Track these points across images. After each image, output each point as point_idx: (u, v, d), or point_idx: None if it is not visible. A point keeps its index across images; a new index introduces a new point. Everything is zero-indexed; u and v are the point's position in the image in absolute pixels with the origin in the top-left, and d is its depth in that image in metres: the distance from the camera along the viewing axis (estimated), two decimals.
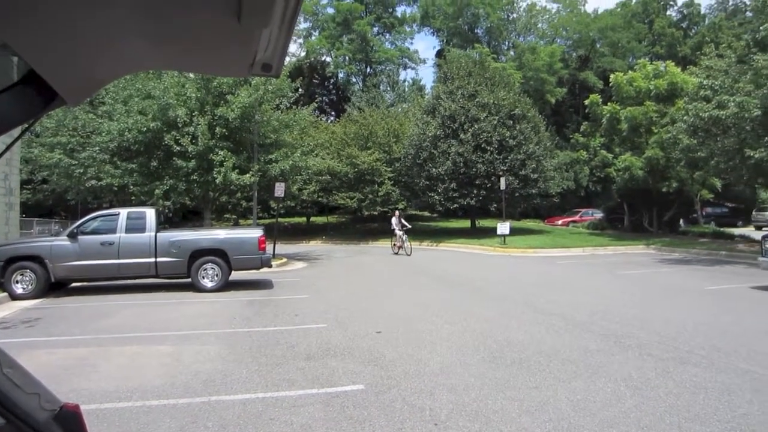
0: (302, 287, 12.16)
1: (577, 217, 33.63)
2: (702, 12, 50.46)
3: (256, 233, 12.23)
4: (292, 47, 47.81)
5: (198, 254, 11.70)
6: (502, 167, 23.98)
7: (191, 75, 16.17)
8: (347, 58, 48.21)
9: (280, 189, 17.59)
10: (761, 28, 17.98)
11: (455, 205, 25.26)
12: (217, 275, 11.70)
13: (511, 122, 25.16)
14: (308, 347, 6.62)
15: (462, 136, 24.62)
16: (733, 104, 16.38)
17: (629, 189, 25.17)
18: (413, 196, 27.89)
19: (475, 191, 24.34)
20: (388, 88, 45.46)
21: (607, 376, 5.31)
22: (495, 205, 25.22)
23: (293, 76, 20.96)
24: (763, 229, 25.94)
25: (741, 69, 17.98)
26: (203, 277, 11.68)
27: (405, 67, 51.88)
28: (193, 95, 16.31)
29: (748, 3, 23.36)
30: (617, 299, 9.89)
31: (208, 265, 11.72)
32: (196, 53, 1.06)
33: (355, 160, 26.97)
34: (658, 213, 24.97)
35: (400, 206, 27.60)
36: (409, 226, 21.19)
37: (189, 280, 11.71)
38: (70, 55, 0.92)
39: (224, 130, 16.43)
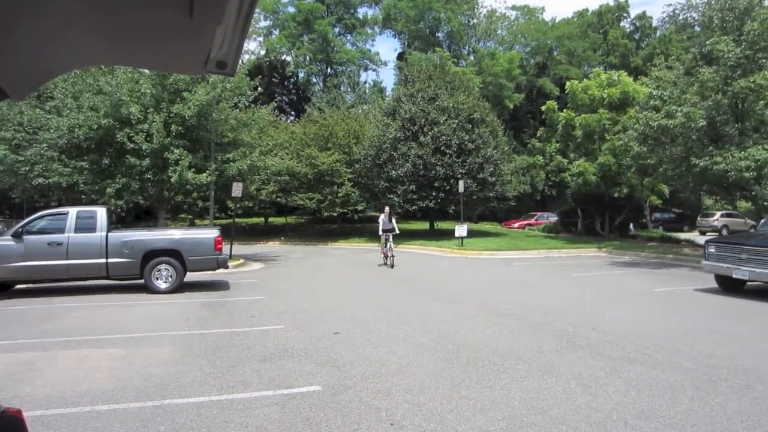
0: (259, 288, 12.00)
1: (533, 221, 34.40)
2: (654, 25, 52.48)
3: (213, 233, 12.00)
4: (252, 45, 47.21)
5: (151, 255, 11.39)
6: (460, 170, 24.30)
7: (146, 71, 15.76)
8: (308, 58, 47.90)
9: (237, 189, 17.32)
10: (707, 42, 18.80)
11: (414, 207, 25.45)
12: (171, 276, 11.42)
13: (470, 126, 25.53)
14: (265, 349, 6.55)
15: (422, 138, 24.83)
16: (680, 114, 17.05)
17: (583, 194, 25.91)
18: (373, 198, 27.95)
19: (434, 193, 24.58)
20: (349, 89, 45.42)
21: (558, 374, 5.46)
22: (453, 208, 25.53)
23: (252, 75, 20.69)
24: (707, 234, 27.18)
25: (688, 81, 18.75)
26: (157, 279, 11.38)
27: (366, 69, 51.99)
28: (148, 92, 15.89)
29: (696, 18, 24.39)
30: (570, 301, 10.16)
31: (162, 266, 11.43)
32: (147, 49, 1.05)
33: (315, 161, 26.82)
34: (610, 217, 25.80)
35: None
36: (398, 231, 17.16)
37: (142, 281, 11.40)
38: (13, 48, 0.89)
39: (180, 128, 16.06)
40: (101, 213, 11.46)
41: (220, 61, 1.06)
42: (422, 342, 6.88)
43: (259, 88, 19.98)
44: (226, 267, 12.58)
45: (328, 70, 49.85)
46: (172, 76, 15.96)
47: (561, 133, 27.25)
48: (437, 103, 25.79)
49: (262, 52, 46.11)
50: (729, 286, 11.22)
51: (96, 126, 15.38)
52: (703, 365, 5.79)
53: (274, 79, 45.59)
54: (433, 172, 24.34)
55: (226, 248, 13.52)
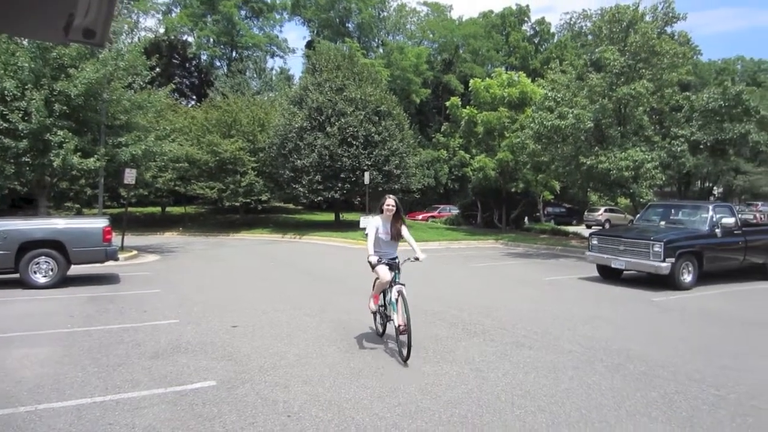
0: (154, 281, 11.38)
1: (435, 213, 35.43)
2: (552, 30, 55.64)
3: (100, 223, 11.17)
4: (149, 22, 44.43)
5: (29, 246, 10.39)
6: (366, 162, 24.45)
7: (25, 42, 14.30)
8: (211, 39, 45.87)
9: (130, 175, 16.25)
10: (596, 50, 20.25)
11: (320, 198, 25.28)
12: (52, 270, 10.49)
13: (377, 118, 25.72)
14: (156, 344, 6.22)
15: (328, 129, 24.67)
16: (571, 116, 18.21)
17: (483, 188, 27.04)
18: (277, 188, 27.40)
19: (339, 185, 24.55)
20: (255, 75, 44.11)
21: (453, 360, 5.68)
22: (359, 199, 25.69)
23: (149, 54, 19.44)
24: (593, 227, 29.39)
25: (579, 85, 20.09)
26: (35, 272, 10.41)
27: (273, 55, 50.78)
28: (26, 65, 14.38)
29: (589, 27, 26.17)
30: (468, 290, 10.59)
31: (42, 259, 10.46)
32: (1, 11, 0.93)
33: (217, 148, 25.79)
34: (507, 211, 27.16)
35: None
36: (421, 256, 6.19)
37: (18, 275, 10.39)
38: None
39: (65, 107, 14.73)
40: None
41: (88, 29, 0.96)
42: (323, 333, 6.86)
43: (157, 69, 18.85)
44: (116, 259, 11.79)
45: (233, 54, 48.05)
46: (56, 49, 14.60)
47: (464, 129, 28.23)
48: (345, 93, 25.71)
49: (161, 30, 43.55)
50: (609, 274, 12.22)
51: None
52: (583, 347, 6.25)
53: (174, 60, 43.18)
54: (339, 163, 24.29)
55: (117, 239, 12.69)
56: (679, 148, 18.14)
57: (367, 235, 6.04)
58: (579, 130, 18.36)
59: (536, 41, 56.16)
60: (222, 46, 47.56)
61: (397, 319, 5.70)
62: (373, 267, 5.93)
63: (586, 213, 34.26)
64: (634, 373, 5.31)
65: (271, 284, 11.20)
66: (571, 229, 27.75)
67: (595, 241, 12.46)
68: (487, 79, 29.48)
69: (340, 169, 24.41)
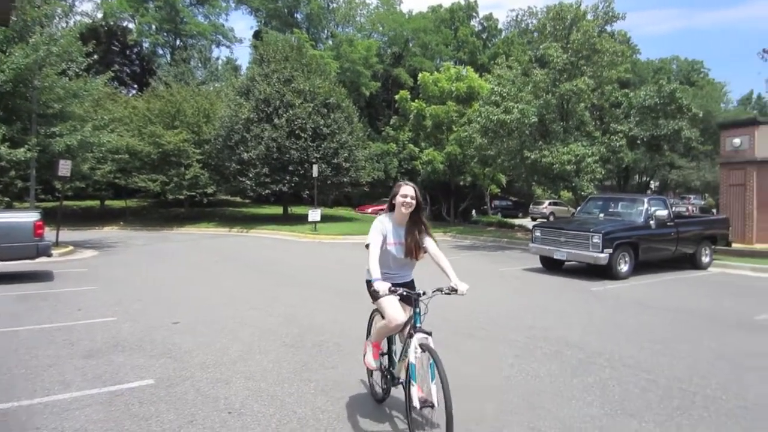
0: (90, 278, 10.88)
1: (385, 206, 35.37)
2: (499, 27, 56.53)
3: (31, 217, 10.58)
4: (86, 6, 42.23)
5: None
6: (315, 155, 24.22)
7: None
8: (153, 26, 44.12)
9: (65, 167, 15.46)
10: (541, 47, 20.75)
11: (267, 191, 24.84)
12: None
13: (326, 111, 25.50)
14: (91, 344, 5.94)
15: (276, 121, 24.26)
16: (516, 110, 18.60)
17: (431, 181, 27.30)
18: (223, 181, 26.73)
19: (288, 177, 24.20)
20: (200, 65, 42.79)
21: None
22: (308, 192, 25.39)
23: (86, 39, 18.42)
24: (538, 220, 30.23)
25: (524, 80, 20.54)
26: None
27: (219, 45, 49.33)
28: None
29: (534, 24, 26.78)
30: (416, 282, 10.66)
31: None
32: None
33: (160, 140, 24.88)
34: (455, 204, 27.56)
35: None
36: (451, 279, 3.84)
37: None
38: None
39: None
40: None
41: None
42: (268, 327, 6.75)
43: (95, 56, 17.99)
44: (49, 255, 11.20)
45: (177, 42, 46.40)
46: None
47: (413, 123, 28.40)
48: (293, 85, 25.34)
49: (99, 16, 41.48)
50: (551, 265, 12.59)
51: None
52: (524, 336, 6.41)
53: (113, 47, 41.30)
54: (287, 155, 23.95)
55: (51, 234, 12.06)
56: (618, 143, 18.84)
57: (368, 246, 3.74)
58: (524, 125, 18.77)
59: (484, 37, 56.96)
60: (165, 34, 45.82)
61: (419, 389, 3.55)
62: (376, 298, 3.72)
63: (531, 206, 35.26)
64: (571, 360, 5.48)
65: (216, 279, 10.93)
66: (517, 221, 28.44)
67: (538, 233, 12.80)
68: (436, 73, 29.73)
69: (288, 161, 24.07)
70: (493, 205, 35.62)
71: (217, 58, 47.30)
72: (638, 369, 5.22)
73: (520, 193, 38.54)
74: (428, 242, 3.88)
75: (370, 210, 34.36)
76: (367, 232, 3.96)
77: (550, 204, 33.04)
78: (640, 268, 11.84)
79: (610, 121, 20.16)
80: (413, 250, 3.87)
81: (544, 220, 28.38)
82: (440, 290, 3.70)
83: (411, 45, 51.07)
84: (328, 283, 10.29)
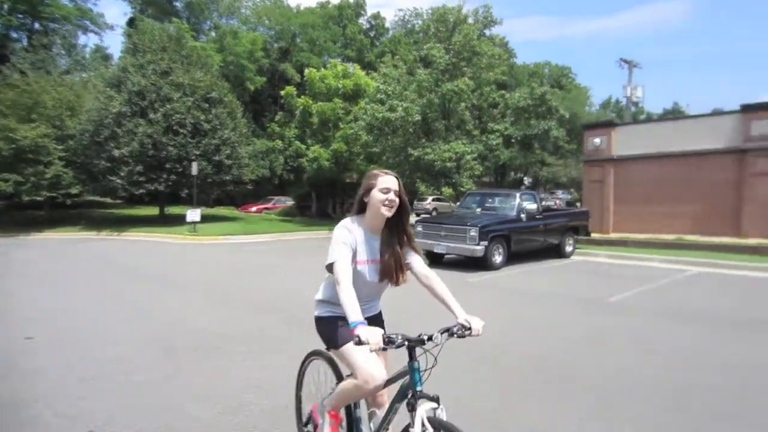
0: None
1: (270, 204, 34.69)
2: (387, 26, 57.31)
3: None
4: None
5: None
6: (195, 152, 22.94)
7: None
8: (5, 6, 39.43)
9: None
10: (425, 47, 21.26)
11: (141, 191, 23.13)
12: None
13: (207, 105, 24.24)
14: None
15: (152, 115, 22.64)
16: (401, 109, 18.93)
17: (318, 178, 27.02)
18: (91, 180, 24.47)
19: (164, 176, 22.69)
20: (63, 52, 38.98)
21: (282, 353, 5.44)
22: (187, 191, 24.00)
23: None
24: (422, 215, 31.01)
25: (409, 79, 20.95)
26: None
27: (86, 31, 45.13)
28: None
29: (420, 24, 27.40)
30: (300, 281, 10.38)
31: None
32: None
33: (13, 135, 22.18)
34: (342, 201, 27.50)
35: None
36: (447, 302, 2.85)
37: None
38: None
39: None
40: None
41: None
42: (142, 335, 6.17)
43: None
44: None
45: (35, 25, 41.86)
46: None
47: (299, 119, 27.95)
48: (171, 77, 23.81)
49: None
50: (432, 259, 12.85)
51: None
52: (404, 330, 6.36)
53: None
54: (164, 152, 22.44)
55: None
56: (494, 142, 19.81)
57: (332, 266, 2.48)
58: (408, 123, 19.15)
59: (372, 35, 57.55)
60: (20, 15, 41.16)
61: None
62: (338, 345, 2.61)
63: (415, 202, 36.04)
64: (453, 350, 5.49)
65: (88, 287, 9.85)
66: None
67: (419, 228, 13.04)
68: (323, 69, 29.46)
69: (165, 159, 22.57)
70: None
71: (85, 46, 43.46)
72: (511, 353, 5.39)
73: (406, 190, 39.36)
74: (414, 259, 2.72)
75: (254, 209, 33.36)
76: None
77: (433, 200, 33.98)
78: (513, 258, 12.44)
79: (487, 121, 21.17)
80: (393, 271, 2.66)
81: (428, 216, 29.19)
82: (449, 331, 2.41)
83: (298, 40, 50.30)
84: (208, 286, 9.73)
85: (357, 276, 2.54)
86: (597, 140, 19.27)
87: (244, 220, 25.71)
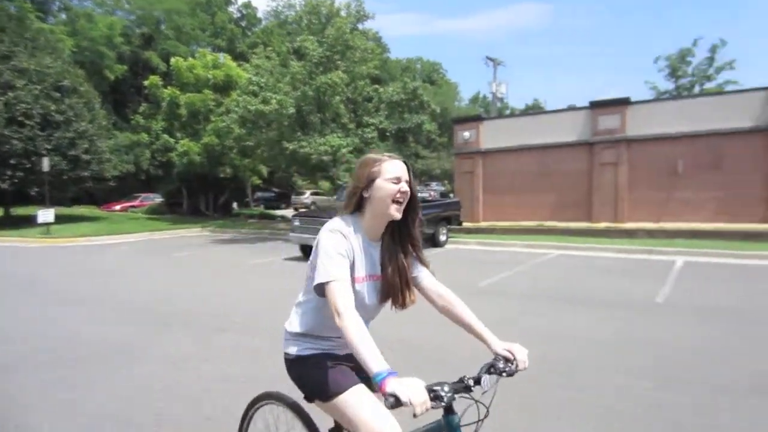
0: None
1: (136, 202, 32.47)
2: (259, 16, 55.75)
3: None
4: None
5: None
6: (46, 146, 20.72)
7: None
8: None
9: None
10: (298, 39, 21.04)
11: None
12: None
13: (59, 95, 21.98)
14: None
15: None
16: (274, 101, 18.62)
17: (189, 174, 25.75)
18: None
19: (9, 173, 20.22)
20: None
21: (148, 357, 5.19)
22: (37, 190, 21.63)
23: None
24: (300, 210, 30.86)
25: (282, 71, 20.63)
26: None
27: None
28: None
29: (293, 15, 26.98)
30: (172, 281, 9.95)
31: None
32: None
33: None
34: (215, 197, 26.51)
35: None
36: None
37: None
38: None
39: None
40: None
41: None
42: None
43: None
44: None
45: None
46: None
47: (166, 111, 26.43)
48: (13, 63, 21.24)
49: None
50: (310, 253, 12.86)
51: None
52: (273, 329, 6.35)
53: None
54: (7, 146, 19.98)
55: None
56: (369, 135, 20.20)
57: (328, 285, 1.76)
58: (282, 116, 18.90)
59: (243, 24, 55.76)
60: None
61: None
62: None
63: (293, 196, 35.74)
64: None
65: None
66: (279, 212, 28.65)
67: (297, 223, 13.00)
68: (191, 59, 28.05)
69: (9, 153, 20.12)
70: (255, 197, 35.26)
71: None
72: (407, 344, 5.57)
73: (284, 184, 38.81)
74: (421, 273, 2.07)
75: (118, 207, 31.03)
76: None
77: (311, 194, 33.89)
78: None
79: (362, 114, 21.49)
80: (399, 289, 1.99)
81: (306, 209, 29.15)
82: (494, 369, 1.82)
83: (163, 27, 47.33)
84: (68, 291, 8.91)
85: (358, 295, 1.90)
86: (466, 134, 20.46)
87: (108, 220, 23.80)
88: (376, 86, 23.33)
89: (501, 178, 19.53)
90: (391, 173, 1.88)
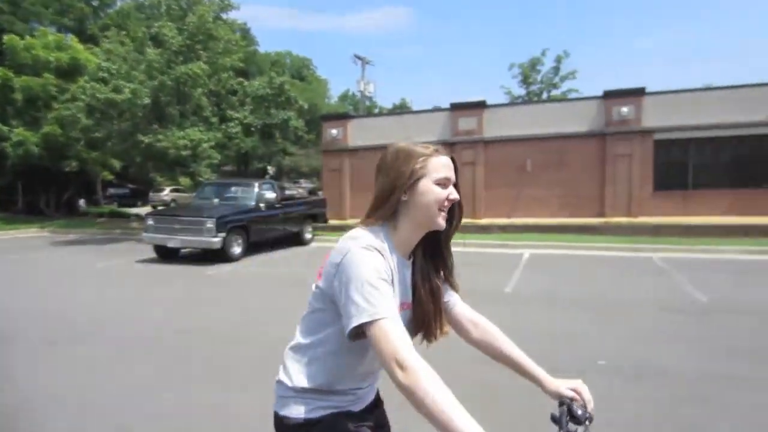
0: None
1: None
2: None
3: None
4: None
5: None
6: None
7: None
8: None
9: None
10: (156, 25, 19.60)
11: None
12: None
13: None
14: None
15: None
16: (128, 90, 17.20)
17: (25, 167, 22.90)
18: None
19: None
20: None
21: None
22: None
23: None
24: (158, 207, 28.84)
25: (138, 58, 19.10)
26: None
27: None
28: None
29: None
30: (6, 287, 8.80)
31: None
32: None
33: None
34: (58, 194, 23.86)
35: None
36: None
37: None
38: None
39: None
40: None
41: None
42: None
43: None
44: None
45: None
46: None
47: None
48: None
49: None
50: (166, 254, 12.07)
51: None
52: (135, 331, 5.86)
53: None
54: None
55: None
56: (233, 130, 19.44)
57: (371, 326, 1.17)
58: (136, 106, 17.54)
59: (96, 4, 50.89)
60: None
61: None
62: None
63: (151, 193, 33.31)
64: (197, 342, 5.18)
65: None
66: (134, 210, 26.59)
67: (151, 222, 12.12)
68: (29, 38, 24.97)
69: None
70: (107, 194, 32.39)
71: None
72: (272, 336, 5.33)
73: (140, 180, 36.03)
74: (453, 298, 1.66)
75: None
76: None
77: (171, 191, 31.78)
78: (253, 248, 12.41)
79: (227, 108, 20.61)
80: (432, 319, 1.55)
81: (161, 208, 27.41)
82: (576, 418, 1.36)
83: None
84: None
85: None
86: (334, 131, 20.48)
87: None
88: (241, 80, 22.49)
89: (367, 175, 19.68)
90: (439, 172, 1.45)
